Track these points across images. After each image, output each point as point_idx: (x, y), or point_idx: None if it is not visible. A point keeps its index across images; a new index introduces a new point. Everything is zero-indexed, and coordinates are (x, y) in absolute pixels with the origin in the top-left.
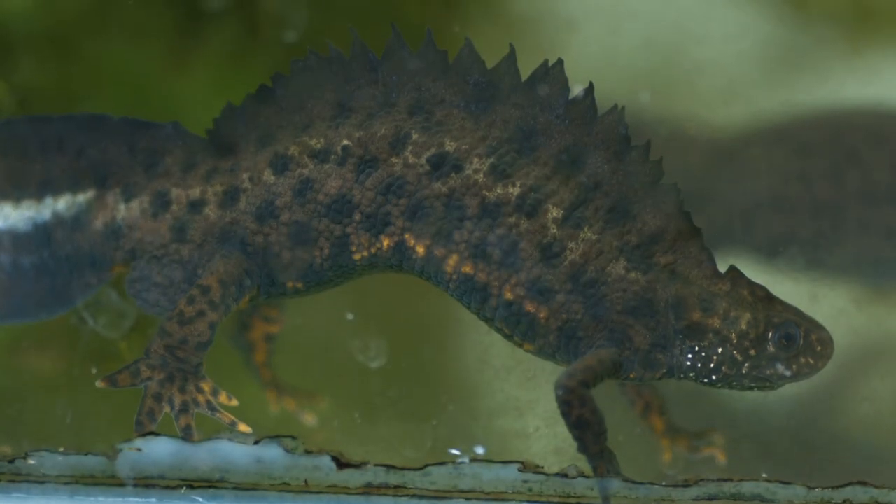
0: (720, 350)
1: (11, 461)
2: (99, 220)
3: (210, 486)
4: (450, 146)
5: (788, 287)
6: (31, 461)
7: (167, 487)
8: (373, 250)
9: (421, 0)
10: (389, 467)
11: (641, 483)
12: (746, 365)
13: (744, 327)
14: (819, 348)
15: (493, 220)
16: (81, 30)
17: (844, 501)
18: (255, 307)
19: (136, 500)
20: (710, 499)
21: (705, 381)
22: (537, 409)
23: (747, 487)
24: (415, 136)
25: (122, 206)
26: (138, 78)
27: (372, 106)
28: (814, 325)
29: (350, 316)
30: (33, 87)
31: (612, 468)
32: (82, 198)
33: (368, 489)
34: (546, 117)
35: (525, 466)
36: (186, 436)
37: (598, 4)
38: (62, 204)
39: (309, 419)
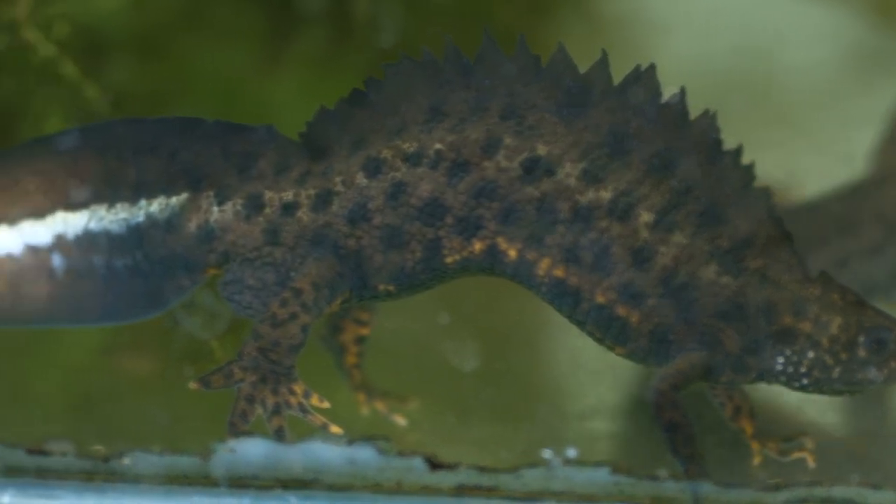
0: (811, 354)
1: (106, 461)
2: (192, 223)
3: (303, 487)
4: (542, 150)
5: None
6: (126, 461)
7: (261, 487)
8: (465, 254)
9: (512, 2)
10: (482, 469)
11: (732, 486)
12: (837, 369)
13: (835, 331)
14: None
15: (584, 224)
16: (173, 31)
17: None
18: (347, 310)
19: (231, 500)
20: (800, 502)
21: (796, 385)
22: (629, 412)
23: (838, 491)
24: (507, 141)
25: (215, 209)
26: (230, 80)
27: (464, 110)
28: None
29: (444, 319)
30: (125, 89)
31: (702, 471)
32: (175, 200)
33: (461, 490)
34: (638, 122)
35: (616, 468)
36: (279, 437)
37: (689, 7)
38: (155, 206)
39: (400, 421)
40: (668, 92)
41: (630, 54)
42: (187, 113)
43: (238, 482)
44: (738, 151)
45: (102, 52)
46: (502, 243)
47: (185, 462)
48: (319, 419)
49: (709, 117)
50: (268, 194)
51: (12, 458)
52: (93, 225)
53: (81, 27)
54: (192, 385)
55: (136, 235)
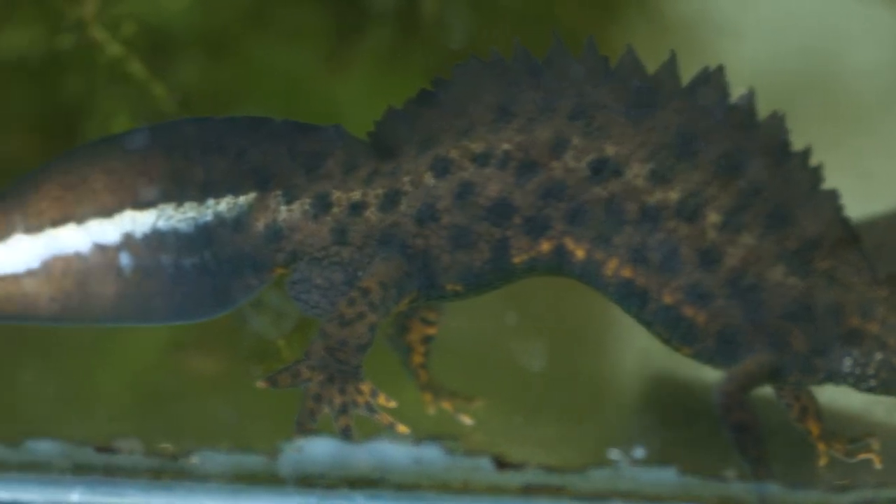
0: (878, 356)
1: (174, 459)
2: (260, 222)
3: (370, 486)
4: (610, 151)
5: None
6: (194, 459)
7: (328, 486)
8: (532, 254)
9: (577, 3)
10: (549, 468)
11: (798, 486)
12: None
13: None
14: None
15: (652, 224)
16: (239, 30)
17: None
18: (414, 309)
19: (297, 498)
20: (866, 503)
21: (863, 386)
22: (696, 413)
23: None
24: (575, 141)
25: (282, 208)
26: (296, 79)
27: (533, 111)
28: None
29: (511, 319)
30: (192, 88)
31: (769, 471)
32: (243, 200)
33: (528, 490)
34: (706, 123)
35: (683, 469)
36: (346, 436)
37: (756, 9)
38: (223, 205)
39: (466, 420)
40: (737, 93)
41: (696, 56)
42: (254, 112)
43: (305, 481)
44: (806, 153)
45: (169, 51)
46: (570, 243)
47: (253, 461)
48: (386, 418)
49: (777, 118)
50: (336, 194)
51: (81, 456)
52: (161, 224)
53: (148, 26)
54: (260, 384)
55: (203, 234)
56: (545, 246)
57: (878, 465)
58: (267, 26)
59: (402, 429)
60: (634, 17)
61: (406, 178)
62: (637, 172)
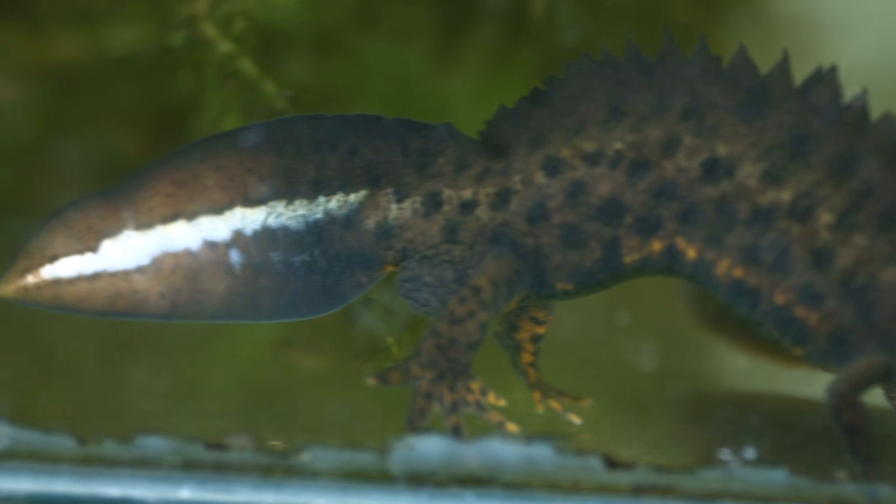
0: None
1: (285, 456)
2: (370, 220)
3: (480, 484)
4: (722, 151)
5: None
6: (304, 456)
7: (438, 484)
8: (643, 253)
9: (686, 1)
10: (659, 468)
11: None
12: None
13: None
14: None
15: (764, 224)
16: (348, 28)
17: None
18: (524, 308)
19: (408, 496)
20: None
21: None
22: (807, 413)
23: None
24: (687, 141)
25: (393, 206)
26: (405, 77)
27: (644, 110)
28: None
29: (621, 318)
30: (301, 85)
31: (881, 473)
32: (354, 197)
33: (637, 490)
34: (819, 123)
35: (794, 469)
36: (456, 434)
37: (867, 8)
38: (334, 203)
39: (575, 420)
40: (849, 93)
41: (806, 55)
42: (363, 110)
43: (415, 479)
44: None
45: (279, 48)
46: (681, 243)
47: (363, 458)
48: (496, 417)
49: (890, 119)
50: (447, 192)
51: (191, 453)
52: (271, 221)
53: (258, 24)
54: (371, 381)
55: (314, 232)
56: (656, 245)
57: None
58: (376, 24)
59: (513, 427)
60: (743, 16)
61: (517, 177)
62: (749, 172)
